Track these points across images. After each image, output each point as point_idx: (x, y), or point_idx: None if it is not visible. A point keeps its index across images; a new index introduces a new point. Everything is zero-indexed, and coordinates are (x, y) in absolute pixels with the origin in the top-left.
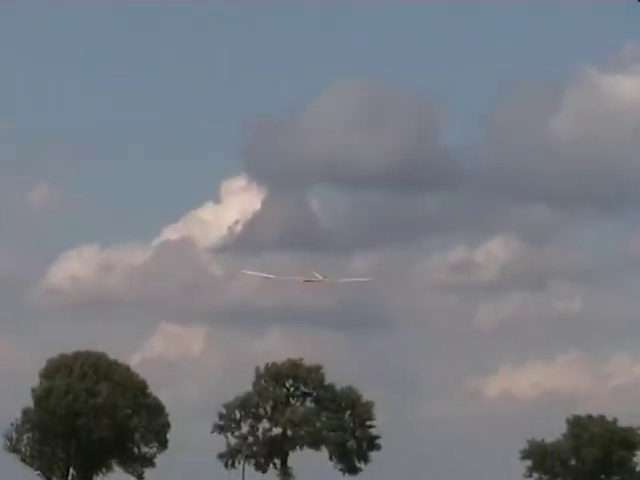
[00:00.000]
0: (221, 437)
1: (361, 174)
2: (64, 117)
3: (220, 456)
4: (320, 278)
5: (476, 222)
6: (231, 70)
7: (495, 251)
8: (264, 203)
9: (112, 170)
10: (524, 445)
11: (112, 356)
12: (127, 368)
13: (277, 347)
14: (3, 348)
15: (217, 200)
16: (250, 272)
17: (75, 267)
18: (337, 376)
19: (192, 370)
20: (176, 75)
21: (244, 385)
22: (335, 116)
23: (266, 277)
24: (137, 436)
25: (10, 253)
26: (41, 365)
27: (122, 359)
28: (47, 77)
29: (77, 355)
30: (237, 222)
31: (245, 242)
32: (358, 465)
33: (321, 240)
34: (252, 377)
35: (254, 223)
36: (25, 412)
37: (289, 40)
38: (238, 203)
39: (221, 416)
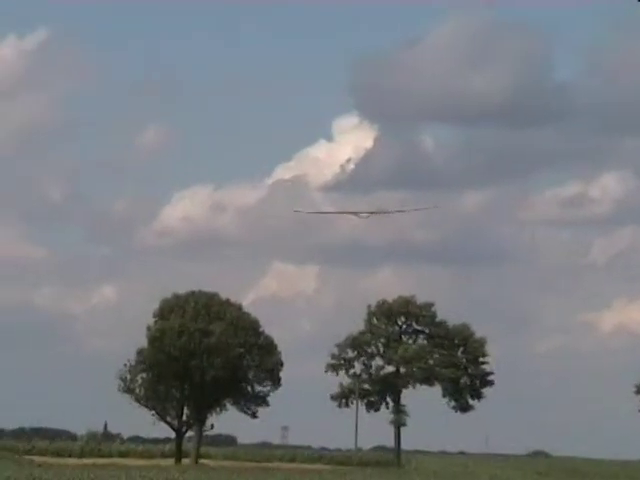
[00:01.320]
0: (334, 376)
1: (472, 111)
2: (175, 57)
3: (333, 396)
4: (373, 211)
5: (589, 157)
6: (341, 8)
7: (609, 186)
8: (376, 141)
9: (224, 111)
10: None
11: (225, 296)
12: (239, 307)
13: (389, 285)
14: (118, 289)
15: (329, 138)
16: (300, 210)
17: (188, 208)
18: (449, 313)
19: (304, 309)
20: (289, 15)
21: (356, 323)
22: (445, 52)
23: (317, 213)
24: (250, 375)
25: (124, 194)
26: (155, 305)
27: (235, 298)
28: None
29: (190, 295)
30: (349, 160)
31: (357, 180)
32: (471, 402)
33: (432, 178)
34: (364, 315)
35: (366, 161)
36: (139, 352)
37: None
38: (350, 141)
39: (333, 356)
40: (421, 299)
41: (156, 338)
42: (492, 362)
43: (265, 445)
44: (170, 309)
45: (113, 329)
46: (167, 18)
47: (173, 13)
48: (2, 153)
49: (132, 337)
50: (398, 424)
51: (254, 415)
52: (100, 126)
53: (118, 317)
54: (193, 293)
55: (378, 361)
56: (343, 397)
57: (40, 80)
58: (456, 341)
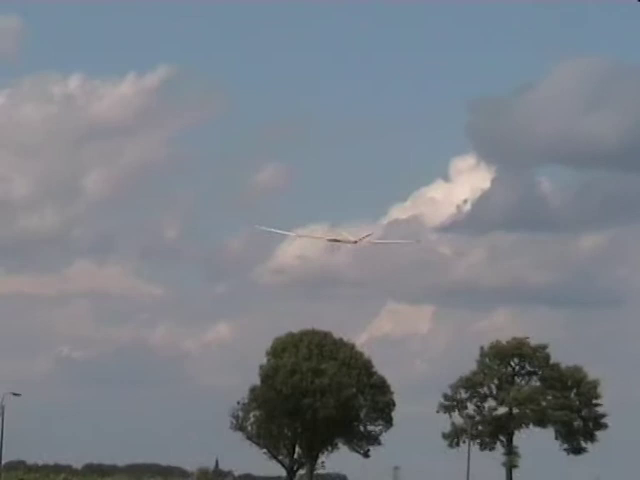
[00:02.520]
0: (445, 415)
1: (590, 154)
2: (291, 98)
3: (445, 435)
4: (351, 239)
5: None
6: (459, 51)
7: None
8: (493, 182)
9: (343, 150)
10: None
11: (338, 335)
12: (352, 347)
13: (502, 326)
14: (232, 327)
15: (446, 178)
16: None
17: (303, 246)
18: (562, 355)
19: (418, 349)
20: (405, 55)
21: (469, 364)
22: (563, 95)
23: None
24: (362, 414)
25: (240, 232)
26: (269, 343)
27: (348, 338)
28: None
29: (303, 334)
30: (466, 201)
31: (473, 221)
32: (584, 445)
33: (550, 220)
34: (477, 356)
35: (483, 202)
36: (252, 390)
37: (512, 19)
38: (467, 182)
39: (446, 397)
40: (535, 341)
41: (269, 376)
42: (606, 404)
43: None
44: (283, 348)
45: (226, 367)
46: (298, 62)
47: (303, 55)
48: (120, 190)
49: (245, 375)
50: (510, 466)
51: (366, 454)
52: (219, 163)
53: (232, 355)
54: (306, 332)
55: (490, 402)
56: (455, 437)
57: (159, 118)
58: (569, 383)
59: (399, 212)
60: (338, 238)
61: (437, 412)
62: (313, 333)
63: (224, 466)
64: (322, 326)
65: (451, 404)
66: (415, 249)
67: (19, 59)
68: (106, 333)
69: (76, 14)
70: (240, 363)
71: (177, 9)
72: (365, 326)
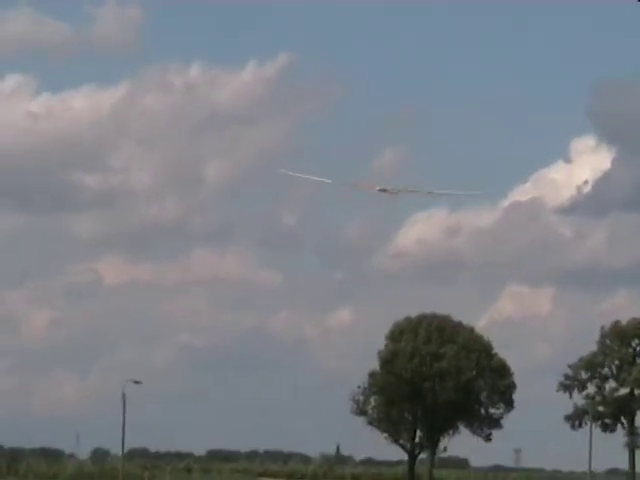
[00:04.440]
0: (566, 397)
1: None
2: (410, 85)
3: (567, 417)
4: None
5: None
6: (579, 32)
7: None
8: (614, 163)
9: (460, 133)
10: None
11: (457, 318)
12: (472, 330)
13: (623, 307)
14: (351, 312)
15: (567, 159)
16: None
17: (424, 230)
18: None
19: (538, 331)
20: (523, 37)
21: (589, 345)
22: None
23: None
24: (483, 397)
25: (359, 217)
26: (388, 328)
27: (468, 321)
28: None
29: (422, 318)
30: (586, 182)
31: (594, 202)
32: None
33: None
34: (597, 337)
35: (603, 183)
36: (372, 375)
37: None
38: (588, 163)
39: (567, 376)
40: None
41: (388, 361)
42: None
43: (498, 468)
44: (402, 332)
45: (346, 352)
46: (413, 51)
47: (419, 43)
48: (239, 179)
49: (365, 360)
50: (632, 447)
51: (488, 438)
52: (337, 150)
53: (351, 340)
54: (425, 316)
55: (611, 383)
56: (577, 418)
57: (279, 106)
58: None
59: (519, 194)
60: (386, 188)
61: (557, 391)
62: (432, 317)
63: (345, 451)
64: (442, 310)
65: (572, 383)
66: (535, 231)
67: (140, 49)
68: (226, 320)
69: (194, 3)
70: (360, 348)
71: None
72: (485, 309)
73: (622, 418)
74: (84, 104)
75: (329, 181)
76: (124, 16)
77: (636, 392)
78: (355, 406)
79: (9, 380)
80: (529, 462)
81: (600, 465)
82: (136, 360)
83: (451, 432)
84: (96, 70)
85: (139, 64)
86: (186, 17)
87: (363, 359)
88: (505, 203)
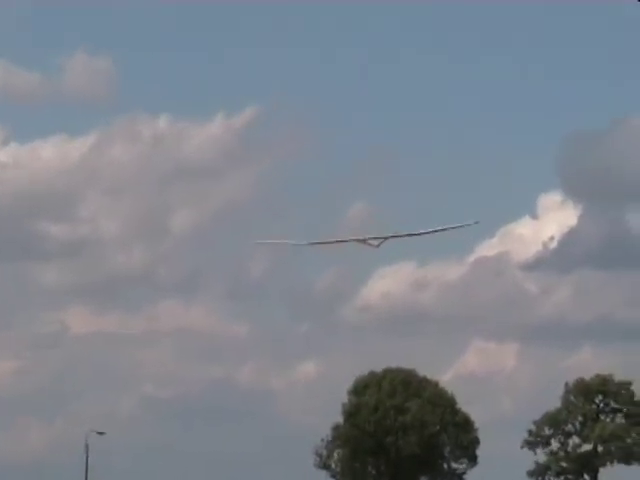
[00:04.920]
0: (530, 453)
1: None
2: (375, 133)
3: (529, 473)
4: (375, 244)
5: None
6: (550, 86)
7: None
8: (580, 219)
9: (431, 187)
10: None
11: (422, 373)
12: (436, 384)
13: (588, 363)
14: (315, 364)
15: (534, 215)
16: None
17: (390, 284)
18: None
19: (503, 386)
20: (488, 89)
21: (554, 401)
22: None
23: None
24: (446, 452)
25: (326, 270)
26: (351, 382)
27: (432, 375)
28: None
29: (387, 371)
30: (552, 238)
31: (559, 258)
32: None
33: (637, 258)
34: (561, 393)
35: (569, 239)
36: (335, 428)
37: (608, 48)
38: (554, 219)
39: (530, 432)
40: (619, 378)
41: (351, 414)
42: None
43: None
44: (366, 385)
45: (311, 405)
46: (381, 97)
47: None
48: (206, 231)
49: (329, 413)
50: None
51: None
52: (307, 203)
53: (316, 393)
54: (390, 370)
55: (575, 439)
56: (540, 474)
57: (247, 157)
58: None
59: (486, 249)
60: (362, 239)
61: (521, 448)
62: (397, 371)
63: None
64: (407, 364)
65: (535, 440)
66: (502, 285)
67: (110, 100)
68: (192, 371)
69: (165, 56)
70: (325, 401)
71: (262, 49)
72: (450, 363)
73: (585, 475)
74: (53, 154)
75: (304, 242)
76: (94, 67)
77: (599, 448)
78: (318, 459)
79: None
80: None
81: None
82: (101, 410)
83: None
84: (65, 120)
85: (108, 114)
86: (156, 69)
87: (328, 412)
88: (472, 258)
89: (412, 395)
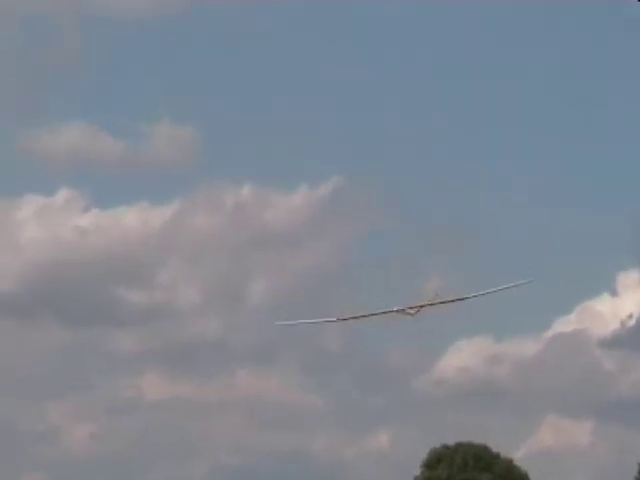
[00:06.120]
0: None
1: None
2: (458, 207)
3: None
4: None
5: None
6: (622, 166)
7: None
8: None
9: (510, 262)
10: None
11: (495, 448)
12: (510, 461)
13: None
14: (388, 436)
15: (613, 292)
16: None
17: (466, 358)
18: None
19: (577, 464)
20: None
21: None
22: None
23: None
24: None
25: (402, 343)
26: (423, 455)
27: (506, 451)
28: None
29: (459, 446)
30: (631, 316)
31: (638, 336)
32: None
33: None
34: (635, 473)
35: None
36: None
37: None
38: (633, 297)
39: None
40: None
41: None
42: None
43: None
44: (439, 459)
45: (382, 477)
46: (463, 171)
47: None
48: (284, 300)
49: None
50: None
51: None
52: (385, 273)
53: (388, 465)
54: (462, 444)
55: None
56: None
57: (328, 228)
58: None
59: (563, 325)
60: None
61: None
62: (469, 445)
63: None
64: (481, 439)
65: None
66: (579, 362)
67: (192, 168)
68: (264, 441)
69: (249, 125)
70: (396, 474)
71: (347, 120)
72: (524, 440)
73: None
74: (134, 221)
75: (334, 319)
76: (178, 135)
77: None
78: None
79: None
80: None
81: None
82: (173, 477)
83: None
84: (148, 188)
85: (191, 182)
86: (239, 138)
87: None
88: (549, 334)
89: (484, 470)
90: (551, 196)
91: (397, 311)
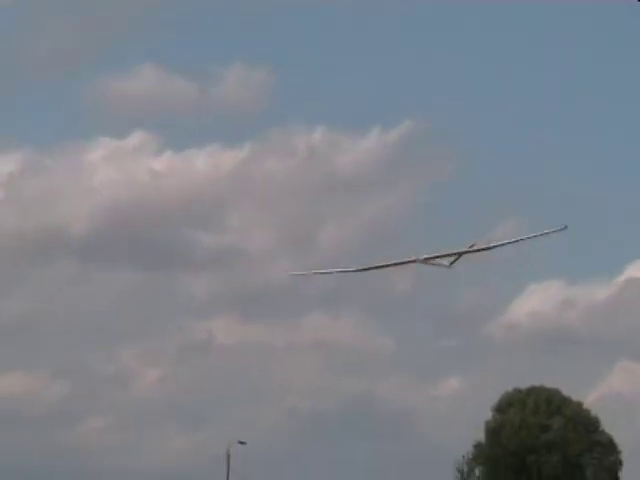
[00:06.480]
0: None
1: None
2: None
3: None
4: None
5: None
6: None
7: None
8: None
9: (577, 207)
10: None
11: (566, 392)
12: (580, 404)
13: None
14: (458, 381)
15: None
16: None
17: (537, 302)
18: None
19: None
20: None
21: None
22: None
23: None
24: (588, 473)
25: (473, 287)
26: (495, 399)
27: (577, 395)
28: None
29: (531, 390)
30: None
31: None
32: None
33: None
34: None
35: None
36: (477, 446)
37: None
38: None
39: None
40: None
41: (494, 432)
42: None
43: None
44: (510, 403)
45: (452, 422)
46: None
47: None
48: (355, 244)
49: (470, 430)
50: None
51: None
52: (456, 220)
53: (458, 410)
54: (534, 388)
55: None
56: None
57: (400, 172)
58: None
59: (636, 270)
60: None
61: None
62: (541, 389)
63: None
64: (552, 383)
65: None
66: None
67: (265, 111)
68: (333, 384)
69: (321, 69)
70: (467, 418)
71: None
72: (595, 385)
73: None
74: (206, 163)
75: (352, 269)
76: (251, 78)
77: None
78: (459, 476)
79: (117, 434)
80: None
81: None
82: (243, 420)
83: None
84: (220, 130)
85: (263, 126)
86: (312, 81)
87: (469, 429)
88: (621, 279)
89: (555, 414)
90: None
91: (415, 261)
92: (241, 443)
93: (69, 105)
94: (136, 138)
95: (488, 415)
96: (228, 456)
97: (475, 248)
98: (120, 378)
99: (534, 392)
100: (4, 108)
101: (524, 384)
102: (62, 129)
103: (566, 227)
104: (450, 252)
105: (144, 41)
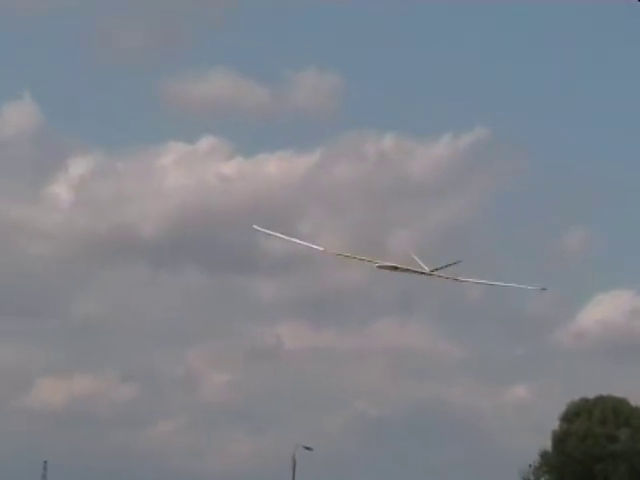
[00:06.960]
0: None
1: None
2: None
3: None
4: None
5: None
6: None
7: None
8: None
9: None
10: None
11: (635, 402)
12: None
13: None
14: (526, 388)
15: None
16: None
17: (606, 311)
18: None
19: None
20: None
21: None
22: None
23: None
24: None
25: (542, 294)
26: (562, 407)
27: None
28: None
29: (598, 399)
30: None
31: None
32: None
33: None
34: None
35: None
36: (543, 455)
37: None
38: None
39: None
40: None
41: (561, 441)
42: None
43: None
44: (577, 413)
45: (519, 429)
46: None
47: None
48: (426, 251)
49: (538, 438)
50: None
51: None
52: (527, 226)
53: (525, 418)
54: (601, 398)
55: None
56: None
57: (469, 178)
58: None
59: None
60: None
61: None
62: (608, 399)
63: None
64: (620, 393)
65: None
66: None
67: (337, 116)
68: (402, 390)
69: (391, 74)
70: (533, 426)
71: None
72: None
73: None
74: (277, 169)
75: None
76: (323, 83)
77: None
78: None
79: (184, 437)
80: None
81: None
82: (310, 425)
83: None
84: (292, 135)
85: (335, 131)
86: (383, 86)
87: (535, 437)
88: None
89: (623, 424)
90: None
91: (379, 266)
92: (307, 449)
93: (141, 109)
94: (206, 143)
95: (554, 424)
96: (294, 461)
97: (441, 274)
98: (188, 381)
99: (601, 401)
100: (76, 110)
101: (592, 393)
102: (134, 132)
103: (545, 289)
104: (414, 269)
105: (219, 43)
